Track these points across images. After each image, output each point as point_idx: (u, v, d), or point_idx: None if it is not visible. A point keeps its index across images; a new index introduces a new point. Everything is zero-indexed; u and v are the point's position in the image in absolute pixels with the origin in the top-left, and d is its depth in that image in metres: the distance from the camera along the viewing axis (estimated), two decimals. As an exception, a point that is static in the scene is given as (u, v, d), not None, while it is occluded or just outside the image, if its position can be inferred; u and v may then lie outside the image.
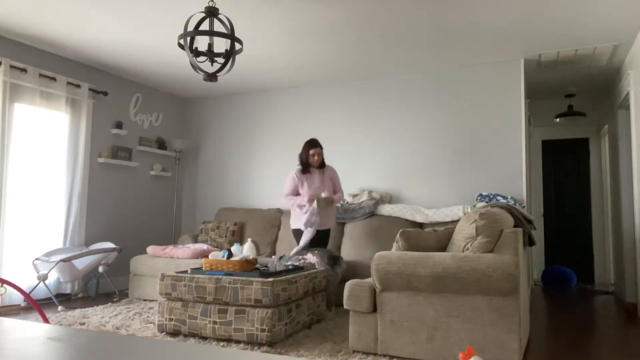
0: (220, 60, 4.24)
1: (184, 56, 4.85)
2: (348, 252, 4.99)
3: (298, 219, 4.42)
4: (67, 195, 4.86)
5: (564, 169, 7.00)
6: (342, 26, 4.10)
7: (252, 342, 3.08)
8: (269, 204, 5.95)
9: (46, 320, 3.13)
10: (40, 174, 4.58)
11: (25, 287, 4.40)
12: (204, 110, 6.52)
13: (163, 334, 3.36)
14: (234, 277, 3.16)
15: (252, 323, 3.05)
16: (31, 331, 0.87)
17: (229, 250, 3.49)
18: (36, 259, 4.39)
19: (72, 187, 4.91)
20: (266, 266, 3.54)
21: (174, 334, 3.31)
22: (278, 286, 3.07)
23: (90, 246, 4.99)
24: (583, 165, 6.90)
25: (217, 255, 3.42)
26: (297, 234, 4.44)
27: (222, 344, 3.12)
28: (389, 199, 5.27)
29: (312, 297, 3.60)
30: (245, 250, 3.53)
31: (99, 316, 3.92)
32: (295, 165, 5.83)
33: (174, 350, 0.75)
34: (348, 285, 2.94)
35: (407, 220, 4.88)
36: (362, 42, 4.45)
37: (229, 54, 3.26)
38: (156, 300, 4.66)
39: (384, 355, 2.85)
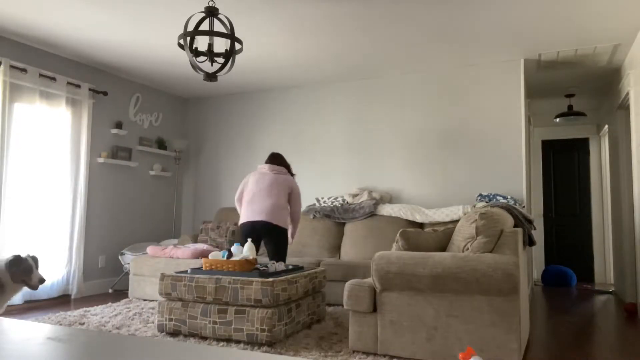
0: (220, 60, 4.24)
1: (184, 56, 4.85)
2: (348, 252, 4.99)
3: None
4: (71, 195, 4.86)
5: (564, 169, 7.00)
6: (343, 26, 4.10)
7: (252, 342, 3.08)
8: (269, 204, 5.94)
9: None
10: (40, 174, 4.58)
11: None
12: (204, 110, 6.52)
13: (163, 334, 3.36)
14: (234, 277, 3.16)
15: (252, 323, 3.05)
16: (31, 331, 0.87)
17: (229, 250, 3.49)
18: (121, 252, 5.21)
19: (76, 187, 4.92)
20: (266, 266, 3.54)
21: (174, 334, 3.31)
22: (278, 286, 3.07)
23: (163, 241, 5.65)
24: (583, 165, 6.90)
25: (217, 255, 3.42)
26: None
27: (222, 344, 3.12)
28: (389, 199, 5.27)
29: (312, 297, 3.60)
30: (245, 250, 3.52)
31: (99, 316, 3.92)
32: (294, 163, 5.84)
33: (174, 350, 0.75)
34: (348, 285, 2.95)
35: (407, 220, 4.88)
36: (362, 41, 4.45)
37: (229, 54, 3.26)
38: (156, 300, 4.66)
39: (384, 355, 2.85)
